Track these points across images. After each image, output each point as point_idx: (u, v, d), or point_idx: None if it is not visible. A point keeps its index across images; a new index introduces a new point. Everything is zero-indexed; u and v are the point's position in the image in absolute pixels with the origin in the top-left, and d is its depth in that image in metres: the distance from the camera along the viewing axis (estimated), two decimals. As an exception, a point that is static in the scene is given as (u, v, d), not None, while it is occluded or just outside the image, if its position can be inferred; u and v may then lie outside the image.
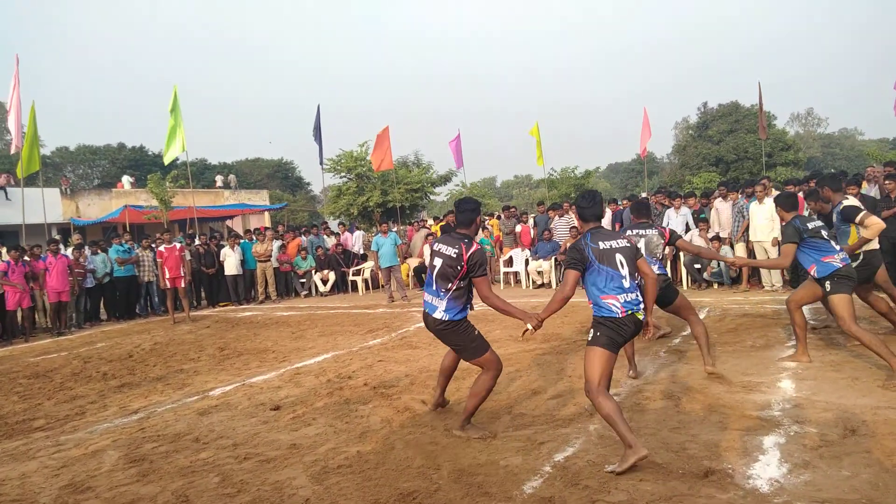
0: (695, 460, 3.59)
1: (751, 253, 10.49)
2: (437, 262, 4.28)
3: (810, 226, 5.24)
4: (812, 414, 4.23)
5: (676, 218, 11.84)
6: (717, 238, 10.91)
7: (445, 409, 4.92)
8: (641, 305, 3.87)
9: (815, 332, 6.61)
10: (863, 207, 5.61)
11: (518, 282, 14.26)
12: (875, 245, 5.80)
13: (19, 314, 11.37)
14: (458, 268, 4.15)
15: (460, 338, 4.30)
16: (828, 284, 5.16)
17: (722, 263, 10.87)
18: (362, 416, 4.96)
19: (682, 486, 3.27)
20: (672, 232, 5.75)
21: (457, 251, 4.17)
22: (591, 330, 3.87)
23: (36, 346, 10.35)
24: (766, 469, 3.42)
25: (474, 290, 4.32)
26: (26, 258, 11.30)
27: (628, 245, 3.92)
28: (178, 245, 11.99)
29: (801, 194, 10.02)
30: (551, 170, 30.27)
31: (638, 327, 3.89)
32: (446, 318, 4.23)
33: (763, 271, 10.39)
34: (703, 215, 11.76)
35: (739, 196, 11.17)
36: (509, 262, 14.32)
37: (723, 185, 13.39)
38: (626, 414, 4.48)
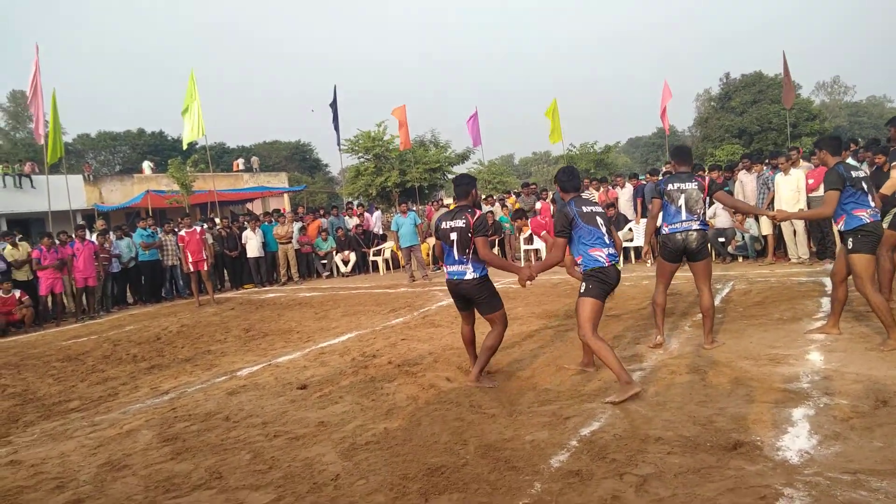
0: (723, 433, 3.58)
1: (776, 228, 10.33)
2: (453, 235, 4.84)
3: (854, 174, 5.06)
4: (842, 386, 4.19)
5: (699, 191, 11.67)
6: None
7: (471, 386, 4.95)
8: (619, 258, 4.79)
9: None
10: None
11: (539, 259, 14.21)
12: None
13: (50, 300, 11.63)
14: (470, 234, 4.76)
15: (487, 290, 4.91)
16: (851, 241, 5.08)
17: (746, 236, 10.72)
18: (388, 393, 5.01)
19: (710, 459, 3.27)
20: (712, 181, 5.40)
21: (464, 221, 4.79)
22: (583, 283, 4.60)
23: (67, 330, 10.59)
24: (796, 441, 3.40)
25: None
26: (56, 242, 11.52)
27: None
28: (198, 229, 12.11)
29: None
30: (570, 146, 30.00)
31: (619, 276, 4.69)
32: (477, 275, 4.84)
33: (789, 244, 10.22)
34: (726, 188, 11.57)
35: (764, 168, 10.96)
36: (529, 239, 14.25)
37: (746, 157, 13.14)
38: (652, 388, 4.50)
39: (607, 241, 4.60)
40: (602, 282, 4.54)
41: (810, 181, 9.72)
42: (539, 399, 4.52)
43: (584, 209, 4.64)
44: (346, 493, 3.29)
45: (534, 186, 16.39)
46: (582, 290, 4.57)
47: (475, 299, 4.94)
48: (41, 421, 5.29)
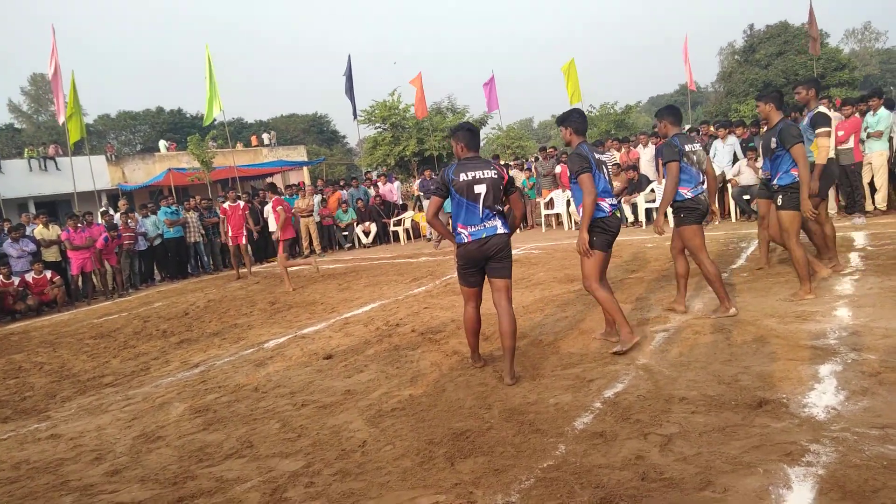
0: (748, 391, 3.56)
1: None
2: (481, 188, 4.23)
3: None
4: (871, 341, 4.12)
5: (723, 148, 11.44)
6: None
7: (489, 353, 4.98)
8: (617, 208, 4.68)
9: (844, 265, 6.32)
10: (829, 123, 5.87)
11: (560, 223, 14.12)
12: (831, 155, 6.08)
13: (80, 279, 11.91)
14: (502, 185, 4.34)
15: (510, 251, 4.42)
16: (780, 198, 5.33)
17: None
18: (412, 361, 5.06)
19: (735, 417, 3.26)
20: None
21: (496, 171, 4.31)
22: (589, 235, 4.52)
23: (97, 308, 10.85)
24: (823, 397, 3.37)
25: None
26: (80, 225, 11.75)
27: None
28: (241, 203, 12.19)
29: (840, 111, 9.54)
30: (590, 107, 29.44)
31: (619, 224, 4.68)
32: (507, 230, 4.37)
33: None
34: (751, 144, 11.31)
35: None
36: (550, 204, 14.14)
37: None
38: (676, 348, 4.48)
39: (610, 190, 4.62)
40: (604, 231, 4.55)
41: (840, 133, 9.44)
42: (562, 363, 4.53)
43: (597, 156, 4.60)
44: (374, 458, 3.35)
45: (552, 150, 16.17)
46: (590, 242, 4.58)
47: (502, 259, 4.32)
48: (77, 396, 5.46)
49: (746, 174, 10.87)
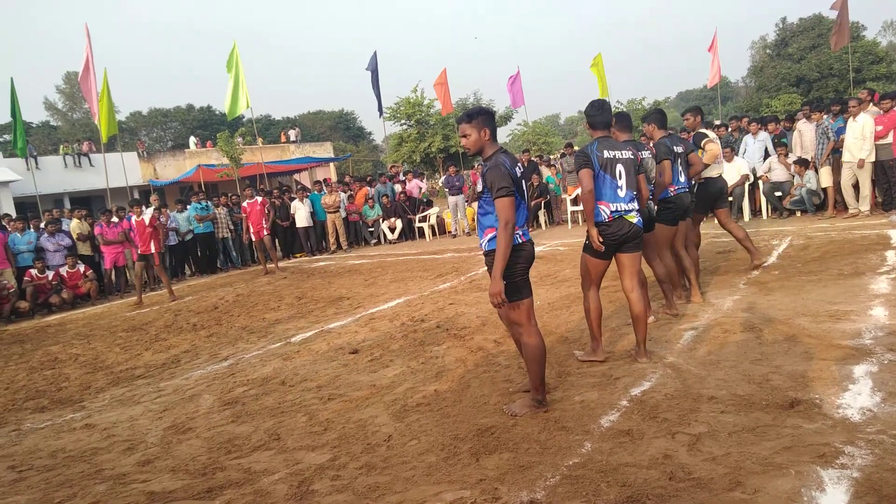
0: (779, 391, 3.49)
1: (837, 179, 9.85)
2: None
3: (676, 148, 5.37)
4: (908, 341, 4.01)
5: (754, 144, 11.21)
6: (802, 162, 10.26)
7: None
8: (634, 211, 4.18)
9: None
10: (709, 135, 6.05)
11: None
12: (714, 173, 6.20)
13: (113, 273, 12.17)
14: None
15: None
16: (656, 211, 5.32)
17: (803, 190, 10.26)
18: (437, 356, 5.07)
19: (765, 417, 3.20)
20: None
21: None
22: (585, 237, 4.28)
23: (130, 301, 11.07)
24: (857, 398, 3.29)
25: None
26: (114, 220, 11.99)
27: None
28: (259, 199, 12.37)
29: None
30: (617, 102, 29.10)
31: (629, 231, 4.16)
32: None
33: (848, 196, 9.71)
34: (783, 139, 11.09)
35: (824, 117, 10.41)
36: (575, 201, 14.02)
37: (808, 104, 12.48)
38: (705, 347, 4.41)
39: (621, 195, 4.13)
40: (602, 235, 4.16)
41: (879, 128, 9.20)
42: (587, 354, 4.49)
43: (606, 154, 4.13)
44: (399, 452, 3.37)
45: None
46: (584, 245, 4.35)
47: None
48: (110, 387, 5.58)
49: (777, 170, 10.65)
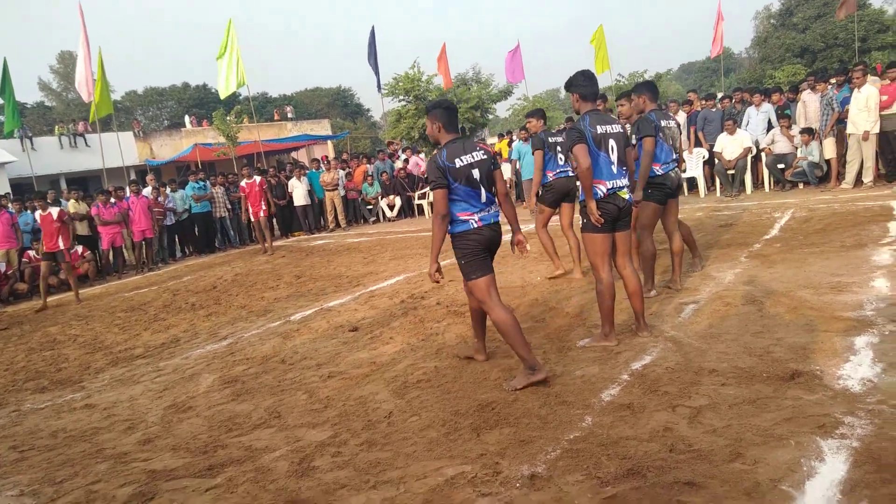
0: (780, 363, 3.47)
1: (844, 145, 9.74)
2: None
3: (663, 123, 5.14)
4: (910, 312, 3.99)
5: (757, 115, 11.08)
6: (808, 131, 10.13)
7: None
8: (626, 187, 4.09)
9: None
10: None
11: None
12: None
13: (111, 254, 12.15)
14: (492, 165, 3.93)
15: None
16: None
17: (805, 163, 10.16)
18: (437, 333, 5.06)
19: (766, 389, 3.19)
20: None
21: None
22: (580, 217, 4.18)
23: (128, 282, 11.07)
24: (858, 369, 3.28)
25: None
26: (112, 200, 11.93)
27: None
28: (257, 179, 12.30)
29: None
30: (618, 76, 28.76)
31: (623, 206, 4.08)
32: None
33: (850, 167, 9.61)
34: (787, 111, 10.95)
35: (829, 87, 10.27)
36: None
37: (812, 75, 12.28)
38: (706, 320, 4.39)
39: (614, 171, 4.03)
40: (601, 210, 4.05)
41: (884, 97, 9.08)
42: (589, 334, 4.48)
43: (599, 129, 4.01)
44: (400, 429, 3.36)
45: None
46: (581, 225, 4.23)
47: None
48: (110, 367, 5.58)
49: (781, 142, 10.54)
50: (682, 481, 2.47)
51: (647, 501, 2.38)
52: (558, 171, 6.17)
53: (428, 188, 15.70)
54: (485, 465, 2.82)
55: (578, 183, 4.39)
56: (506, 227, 4.02)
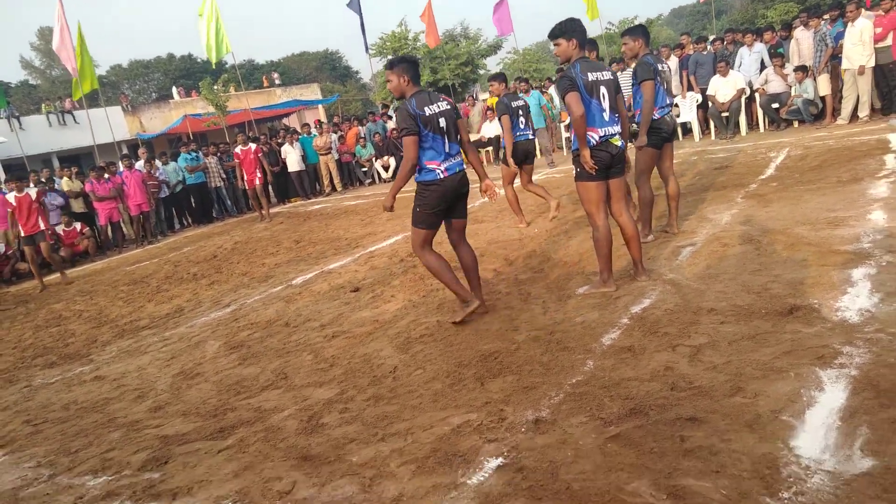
0: (778, 299, 3.51)
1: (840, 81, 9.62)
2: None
3: (659, 66, 5.07)
4: (907, 243, 4.00)
5: (750, 56, 10.91)
6: (801, 69, 9.99)
7: (513, 277, 4.97)
8: (618, 134, 4.07)
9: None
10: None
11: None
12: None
13: (109, 229, 12.12)
14: (455, 116, 4.09)
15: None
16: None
17: (799, 101, 10.04)
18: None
19: (765, 325, 3.22)
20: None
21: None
22: (573, 166, 4.17)
23: (129, 256, 11.07)
24: (856, 301, 3.31)
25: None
26: (106, 175, 11.84)
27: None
28: (252, 146, 12.19)
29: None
30: (608, 24, 28.22)
31: (616, 153, 4.06)
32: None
33: (846, 103, 9.52)
34: (780, 49, 10.77)
35: (822, 23, 10.08)
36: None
37: (805, 11, 12.06)
38: (704, 262, 4.42)
39: (606, 119, 4.01)
40: (593, 160, 4.03)
41: (878, 30, 8.92)
42: (588, 282, 4.51)
43: (590, 76, 3.96)
44: (405, 382, 3.42)
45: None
46: (575, 175, 4.18)
47: (466, 195, 4.28)
48: (116, 340, 5.64)
49: (774, 82, 10.41)
50: (684, 417, 2.52)
51: (651, 439, 2.43)
52: (518, 133, 6.62)
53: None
54: (490, 413, 2.87)
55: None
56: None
